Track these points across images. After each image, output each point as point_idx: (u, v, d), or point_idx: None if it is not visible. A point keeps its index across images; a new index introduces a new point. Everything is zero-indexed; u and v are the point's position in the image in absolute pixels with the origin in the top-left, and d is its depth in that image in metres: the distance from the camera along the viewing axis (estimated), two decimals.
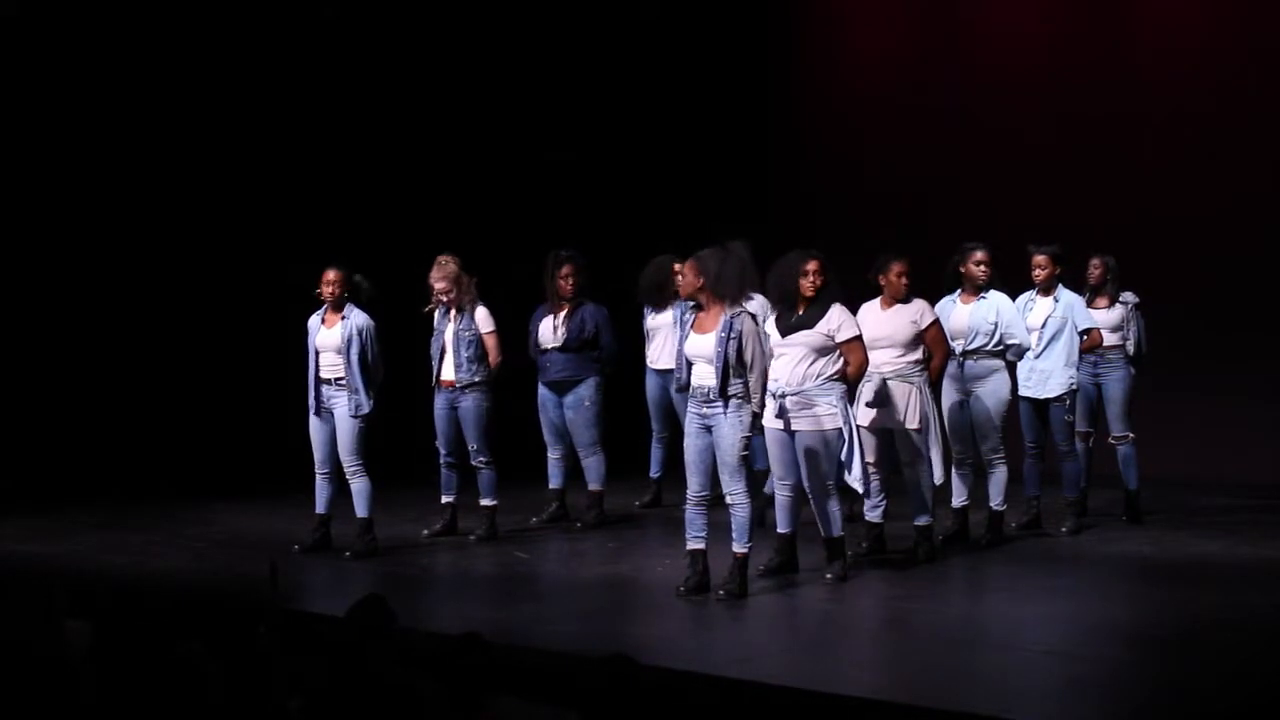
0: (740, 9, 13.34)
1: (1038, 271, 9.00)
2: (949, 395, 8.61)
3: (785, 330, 7.57)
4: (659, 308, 9.46)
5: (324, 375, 8.59)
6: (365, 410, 8.54)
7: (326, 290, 8.59)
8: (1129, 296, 9.50)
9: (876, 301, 8.20)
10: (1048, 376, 8.92)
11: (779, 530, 7.86)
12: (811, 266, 7.61)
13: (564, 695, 4.88)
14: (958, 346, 8.50)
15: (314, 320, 8.69)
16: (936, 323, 8.17)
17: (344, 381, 8.54)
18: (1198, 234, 11.21)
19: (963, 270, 8.67)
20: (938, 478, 8.09)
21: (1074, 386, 8.98)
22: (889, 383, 8.02)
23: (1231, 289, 11.09)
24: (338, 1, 12.03)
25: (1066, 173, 11.78)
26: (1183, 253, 11.15)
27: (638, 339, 9.91)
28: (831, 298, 7.59)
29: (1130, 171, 11.58)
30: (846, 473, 7.53)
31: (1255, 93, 11.19)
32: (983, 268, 8.62)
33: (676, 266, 9.45)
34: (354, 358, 8.53)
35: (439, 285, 8.96)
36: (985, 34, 12.51)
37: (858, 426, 7.75)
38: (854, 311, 7.87)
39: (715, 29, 13.28)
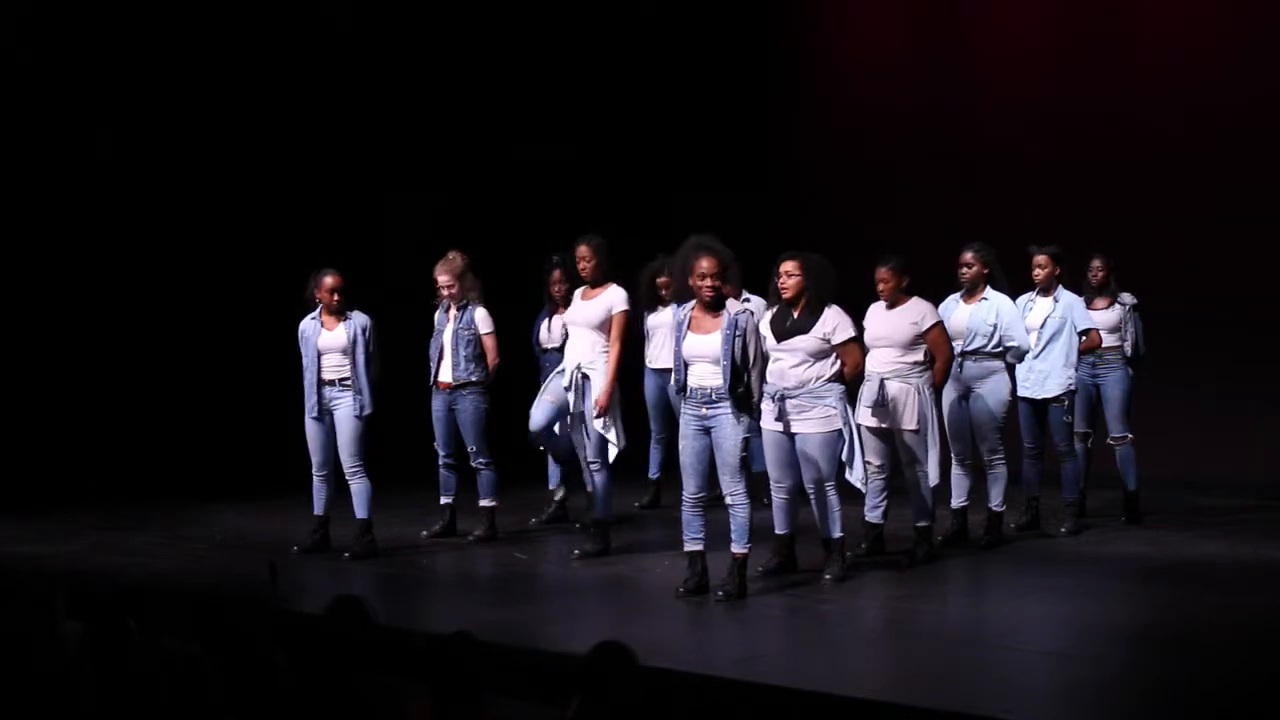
0: (740, 9, 13.33)
1: (1038, 271, 9.01)
2: (949, 395, 8.59)
3: (780, 335, 7.54)
4: (650, 309, 9.54)
5: (327, 377, 8.55)
6: (370, 410, 8.53)
7: (332, 298, 8.53)
8: (1127, 297, 9.50)
9: (884, 301, 8.20)
10: (1046, 377, 8.92)
11: (778, 531, 7.86)
12: (785, 267, 7.58)
13: (564, 695, 4.87)
14: (957, 346, 8.48)
15: (308, 324, 8.64)
16: (938, 325, 8.12)
17: (349, 382, 8.52)
18: (1197, 235, 11.19)
19: None
20: (933, 480, 8.08)
21: (1072, 387, 8.98)
22: (888, 383, 8.01)
23: (1231, 289, 11.07)
24: (342, 3, 12.05)
25: (1066, 173, 11.76)
26: (1182, 253, 11.12)
27: (637, 339, 9.91)
28: (826, 300, 7.56)
29: (1130, 172, 11.56)
30: (848, 470, 7.53)
31: (1255, 92, 11.17)
32: (962, 269, 8.64)
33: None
34: (360, 357, 8.52)
35: (443, 279, 8.94)
36: (985, 34, 12.49)
37: (859, 426, 7.75)
38: (863, 312, 7.86)
39: (715, 31, 13.27)
